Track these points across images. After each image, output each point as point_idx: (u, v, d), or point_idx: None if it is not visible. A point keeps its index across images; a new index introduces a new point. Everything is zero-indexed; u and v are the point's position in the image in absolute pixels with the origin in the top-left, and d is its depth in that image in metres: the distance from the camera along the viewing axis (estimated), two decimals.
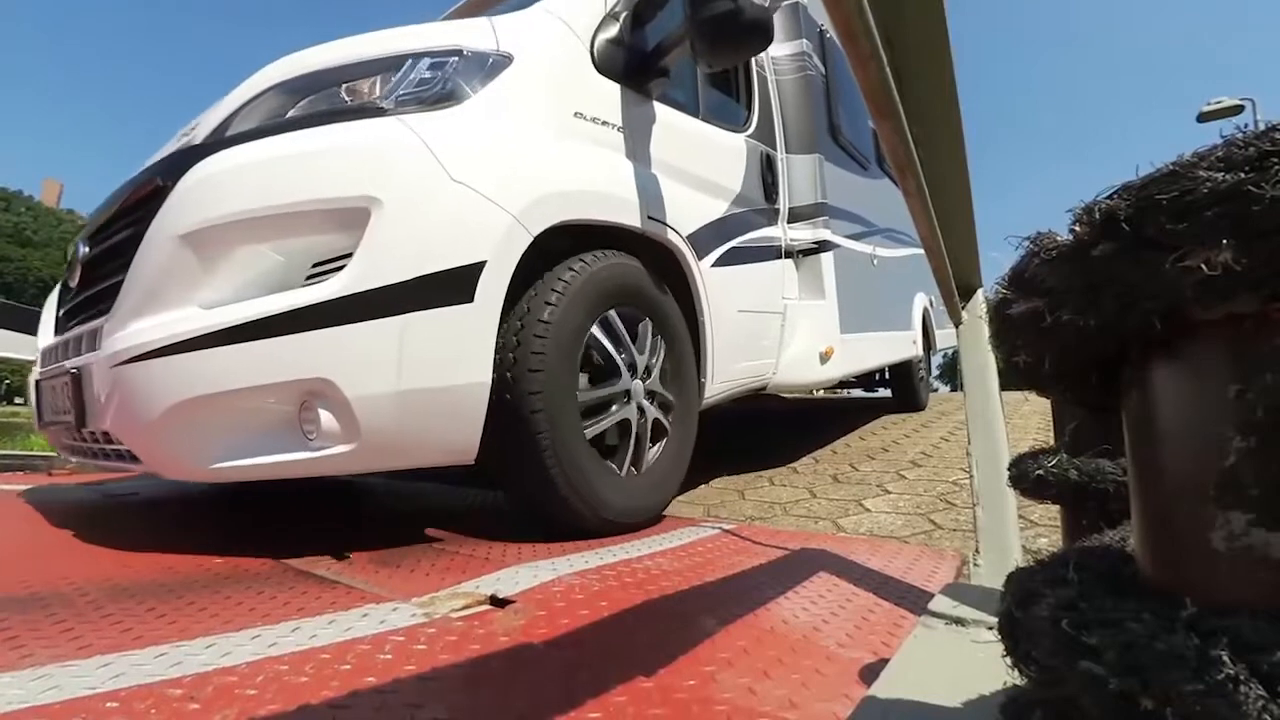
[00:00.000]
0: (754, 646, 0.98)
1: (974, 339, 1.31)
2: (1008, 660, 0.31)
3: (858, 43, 0.53)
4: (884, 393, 5.60)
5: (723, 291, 2.29)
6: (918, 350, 4.78)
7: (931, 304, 5.41)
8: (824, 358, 2.89)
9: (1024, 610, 0.29)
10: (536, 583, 1.29)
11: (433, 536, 1.75)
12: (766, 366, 2.69)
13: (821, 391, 6.86)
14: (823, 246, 2.96)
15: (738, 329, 2.42)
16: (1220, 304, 0.23)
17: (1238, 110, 11.25)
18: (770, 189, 2.80)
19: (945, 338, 6.06)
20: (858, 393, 6.55)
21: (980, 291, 1.31)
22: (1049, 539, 1.75)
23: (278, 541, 1.71)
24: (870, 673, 0.86)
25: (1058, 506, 0.88)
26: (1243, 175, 0.22)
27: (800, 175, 3.01)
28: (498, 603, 1.17)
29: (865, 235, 3.70)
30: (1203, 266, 0.23)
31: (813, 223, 2.98)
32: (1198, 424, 0.25)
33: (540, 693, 0.82)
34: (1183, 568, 0.26)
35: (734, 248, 2.45)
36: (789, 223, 2.94)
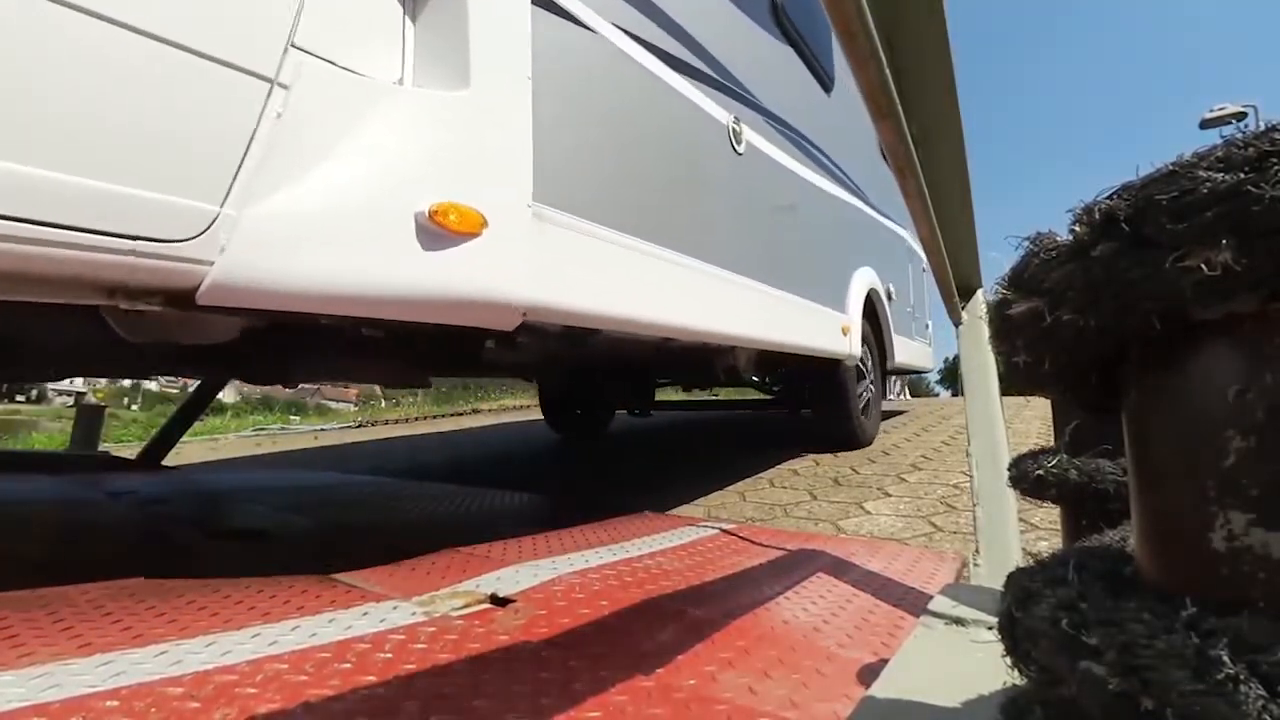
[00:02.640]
0: (754, 646, 0.98)
1: (974, 339, 1.31)
2: (1008, 660, 0.31)
3: (857, 43, 0.53)
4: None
5: None
6: (851, 348, 3.13)
7: (890, 297, 4.01)
8: (434, 232, 1.18)
9: (1024, 610, 0.29)
10: (537, 582, 1.29)
11: (433, 535, 1.75)
12: (121, 207, 0.93)
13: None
14: None
15: None
16: (1220, 304, 0.23)
17: (1241, 117, 11.26)
18: None
19: (913, 353, 4.61)
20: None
21: (980, 291, 1.31)
22: (1049, 542, 1.75)
23: (278, 540, 1.72)
24: (870, 673, 0.86)
25: (1058, 509, 0.88)
26: (1242, 175, 0.22)
27: None
28: (498, 602, 1.17)
29: (711, 84, 2.13)
30: (1203, 266, 0.23)
31: None
32: (1198, 424, 0.25)
33: (540, 692, 0.82)
34: (1183, 568, 0.26)
35: None
36: None
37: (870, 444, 3.60)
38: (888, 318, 3.91)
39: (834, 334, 2.98)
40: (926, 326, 5.44)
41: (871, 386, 3.70)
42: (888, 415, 5.02)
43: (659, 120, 1.88)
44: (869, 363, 3.65)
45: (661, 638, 1.01)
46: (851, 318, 3.21)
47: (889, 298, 3.96)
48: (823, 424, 3.53)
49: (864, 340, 3.47)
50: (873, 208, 3.89)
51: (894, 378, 7.78)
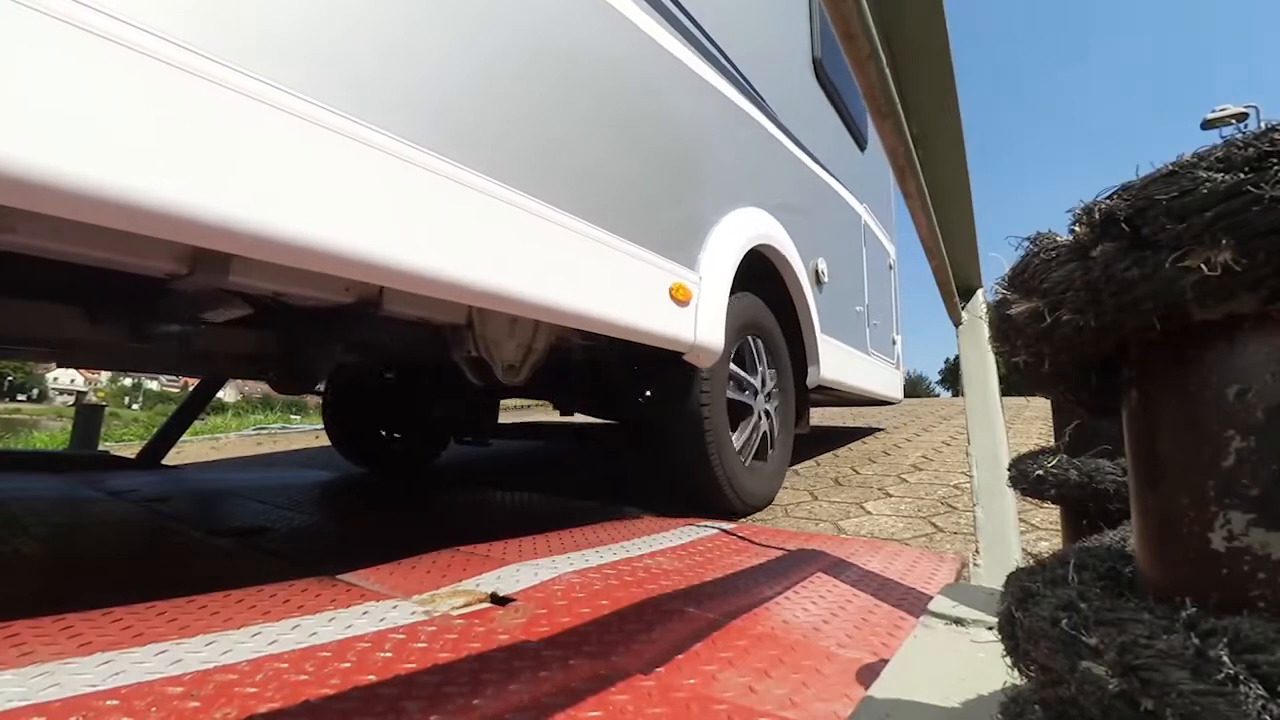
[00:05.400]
0: (754, 646, 0.98)
1: (974, 339, 1.31)
2: (1007, 660, 0.31)
3: (857, 43, 0.53)
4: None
5: None
6: (697, 334, 1.75)
7: (820, 278, 2.65)
8: None
9: (1024, 610, 0.29)
10: (537, 581, 1.29)
11: (433, 534, 1.75)
12: None
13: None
14: None
15: None
16: (1220, 304, 0.23)
17: (1242, 118, 11.24)
18: None
19: (862, 372, 3.14)
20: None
21: (980, 291, 1.31)
22: (1050, 543, 1.75)
23: (278, 538, 1.72)
24: (870, 673, 0.86)
25: (1058, 509, 0.88)
26: (1242, 175, 0.22)
27: None
28: (498, 601, 1.17)
29: None
30: (1202, 266, 0.23)
31: None
32: (1198, 424, 0.25)
33: (540, 691, 0.82)
34: (1183, 567, 0.26)
35: None
36: None
37: (759, 508, 2.22)
38: (810, 308, 2.49)
39: (653, 298, 1.63)
40: (894, 343, 3.90)
41: (770, 412, 2.33)
42: (857, 433, 4.13)
43: None
44: (763, 373, 2.31)
45: (661, 637, 1.01)
46: (704, 278, 1.83)
47: (817, 280, 2.61)
48: (672, 470, 2.09)
49: (751, 332, 2.21)
50: (796, 143, 2.60)
51: None
